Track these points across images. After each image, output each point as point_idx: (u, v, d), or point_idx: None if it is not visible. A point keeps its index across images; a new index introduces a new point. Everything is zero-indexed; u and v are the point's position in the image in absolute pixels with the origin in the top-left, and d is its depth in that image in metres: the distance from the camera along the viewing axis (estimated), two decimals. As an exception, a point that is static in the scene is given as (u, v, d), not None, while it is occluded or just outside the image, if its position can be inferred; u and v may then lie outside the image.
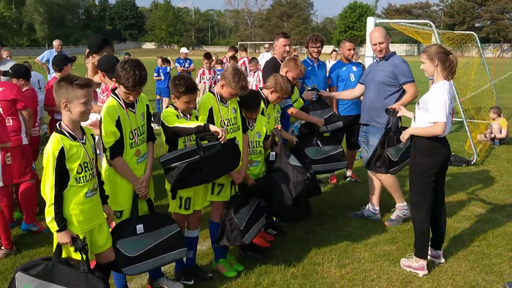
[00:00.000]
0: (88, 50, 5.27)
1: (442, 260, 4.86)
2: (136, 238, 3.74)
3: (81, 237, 3.31)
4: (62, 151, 3.18)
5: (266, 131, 4.93)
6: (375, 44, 5.79)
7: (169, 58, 15.90)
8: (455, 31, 13.54)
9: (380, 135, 5.32)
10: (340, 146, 6.03)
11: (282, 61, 6.11)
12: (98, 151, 3.67)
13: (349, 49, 7.41)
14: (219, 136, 3.95)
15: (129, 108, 3.80)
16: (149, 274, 4.36)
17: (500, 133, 10.83)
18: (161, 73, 14.93)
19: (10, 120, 5.35)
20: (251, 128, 4.77)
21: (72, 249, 3.28)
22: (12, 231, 5.39)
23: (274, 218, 5.45)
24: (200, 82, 11.78)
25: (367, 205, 6.16)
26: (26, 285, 3.14)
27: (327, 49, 21.41)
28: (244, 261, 4.84)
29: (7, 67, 6.22)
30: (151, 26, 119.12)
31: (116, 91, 3.79)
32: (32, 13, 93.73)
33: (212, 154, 3.94)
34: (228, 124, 4.43)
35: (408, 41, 79.65)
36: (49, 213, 3.20)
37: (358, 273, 4.65)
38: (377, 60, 6.01)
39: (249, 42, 67.42)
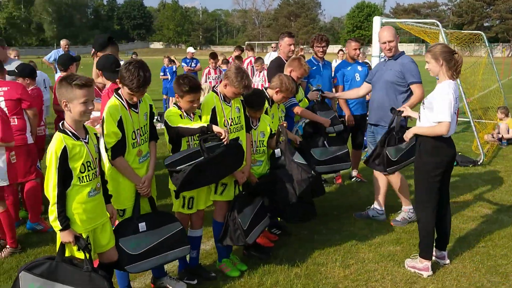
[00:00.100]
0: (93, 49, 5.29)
1: (447, 261, 4.82)
2: (139, 236, 3.74)
3: (84, 236, 3.31)
4: (64, 150, 3.19)
5: (271, 130, 4.92)
6: (384, 43, 5.76)
7: (172, 57, 15.95)
8: (463, 31, 13.45)
9: None
10: (345, 146, 6.00)
11: (287, 61, 6.09)
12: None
13: (355, 49, 7.39)
14: (222, 137, 3.95)
15: (132, 109, 3.81)
16: (153, 273, 4.37)
17: (508, 133, 10.76)
18: (168, 73, 14.96)
19: (15, 119, 5.37)
20: (254, 128, 4.76)
21: (75, 248, 3.29)
22: (17, 229, 5.42)
23: (279, 218, 5.44)
24: (206, 81, 11.78)
25: (372, 205, 6.13)
26: (30, 285, 3.15)
27: (335, 48, 21.39)
28: (248, 261, 4.83)
29: (12, 66, 6.25)
30: (159, 26, 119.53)
31: (120, 91, 3.79)
32: (41, 13, 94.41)
33: (216, 155, 3.94)
34: (232, 123, 4.43)
35: (416, 40, 79.27)
36: (52, 212, 3.21)
37: (362, 273, 4.63)
38: (385, 60, 5.97)
39: (256, 42, 67.43)
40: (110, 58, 4.67)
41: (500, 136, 10.73)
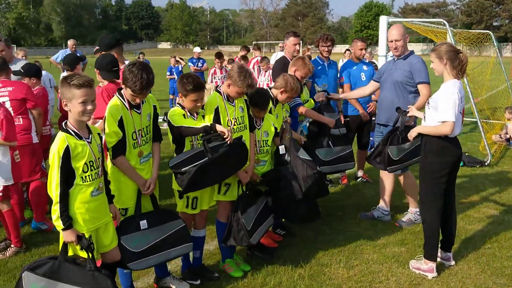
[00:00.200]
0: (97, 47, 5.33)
1: (452, 263, 4.78)
2: (141, 233, 3.74)
3: (86, 235, 3.31)
4: (67, 149, 3.19)
5: (275, 129, 4.90)
6: (391, 41, 5.73)
7: (177, 58, 15.98)
8: (470, 30, 13.37)
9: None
10: (349, 146, 5.98)
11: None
12: None
13: (361, 49, 7.36)
14: (225, 136, 3.95)
15: (134, 109, 3.81)
16: (156, 273, 4.37)
17: (516, 133, 10.65)
18: (174, 72, 14.98)
19: (21, 119, 5.39)
20: (258, 128, 4.75)
21: (78, 247, 3.29)
22: (22, 229, 5.44)
23: (283, 219, 5.42)
24: (211, 81, 11.79)
25: (377, 206, 6.09)
26: (33, 285, 3.15)
27: (342, 48, 21.38)
28: (251, 261, 4.82)
29: (18, 66, 6.28)
30: (166, 26, 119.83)
31: (122, 92, 3.80)
32: (50, 13, 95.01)
33: (220, 155, 3.93)
34: (235, 123, 4.42)
35: (424, 40, 78.86)
36: (55, 211, 3.22)
37: (366, 274, 4.60)
38: (394, 59, 5.92)
39: (264, 42, 67.40)
40: (107, 57, 4.69)
41: (508, 136, 10.62)
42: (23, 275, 3.16)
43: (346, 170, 6.98)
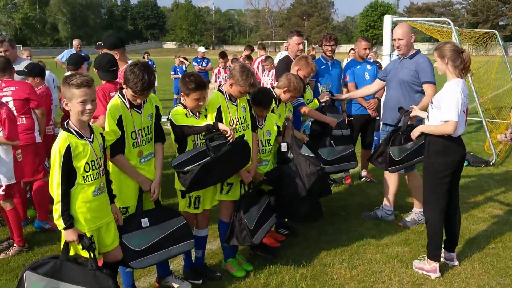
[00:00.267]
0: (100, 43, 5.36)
1: (456, 263, 4.75)
2: (142, 231, 3.74)
3: (88, 235, 3.31)
4: (68, 149, 3.20)
5: (278, 128, 4.88)
6: (395, 40, 5.70)
7: (181, 58, 16.03)
8: (475, 30, 13.30)
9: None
10: (352, 145, 5.95)
11: (295, 60, 6.05)
12: None
13: (365, 48, 7.34)
14: (227, 135, 3.94)
15: (135, 109, 3.80)
16: (158, 272, 4.37)
17: (521, 133, 10.58)
18: (178, 72, 15.01)
19: (24, 118, 5.40)
20: (260, 127, 4.73)
21: (79, 246, 3.29)
22: (25, 228, 5.46)
23: (286, 219, 5.41)
24: (215, 81, 11.81)
25: (381, 206, 6.06)
26: (35, 284, 3.15)
27: (347, 48, 21.34)
28: (254, 261, 4.80)
29: (21, 66, 6.29)
30: (172, 25, 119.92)
31: (123, 91, 3.80)
32: (56, 13, 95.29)
33: (222, 153, 3.93)
34: (237, 122, 4.41)
35: (430, 39, 78.59)
36: (56, 210, 3.22)
37: (369, 274, 4.58)
38: (400, 58, 5.88)
39: (269, 42, 67.37)
40: (106, 57, 4.70)
41: (513, 136, 10.57)
42: (24, 274, 3.16)
43: (349, 170, 6.95)
